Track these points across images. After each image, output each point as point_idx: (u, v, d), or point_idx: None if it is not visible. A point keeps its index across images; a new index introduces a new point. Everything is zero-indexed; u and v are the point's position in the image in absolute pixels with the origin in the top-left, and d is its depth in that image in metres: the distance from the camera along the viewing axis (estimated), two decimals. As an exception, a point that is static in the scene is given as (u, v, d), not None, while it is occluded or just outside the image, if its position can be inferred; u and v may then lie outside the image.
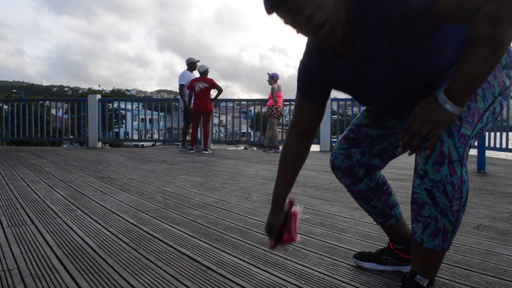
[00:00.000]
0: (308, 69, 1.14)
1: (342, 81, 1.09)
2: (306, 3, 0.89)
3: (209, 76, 6.67)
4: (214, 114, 7.17)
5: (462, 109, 0.89)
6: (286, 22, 0.95)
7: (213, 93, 6.68)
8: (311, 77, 1.14)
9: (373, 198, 1.25)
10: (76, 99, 8.28)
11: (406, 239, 1.28)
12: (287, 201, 1.24)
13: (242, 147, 21.80)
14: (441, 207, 0.92)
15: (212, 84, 6.54)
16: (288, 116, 9.60)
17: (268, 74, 7.11)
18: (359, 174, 1.22)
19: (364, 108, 1.28)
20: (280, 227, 1.19)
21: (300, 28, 0.94)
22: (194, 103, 6.54)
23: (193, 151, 6.51)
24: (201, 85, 6.49)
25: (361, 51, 0.98)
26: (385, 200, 1.26)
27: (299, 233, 1.25)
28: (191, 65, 6.88)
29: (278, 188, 1.24)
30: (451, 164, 0.90)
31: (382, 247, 1.40)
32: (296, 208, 1.28)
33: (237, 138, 8.87)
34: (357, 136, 1.22)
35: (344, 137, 1.25)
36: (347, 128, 1.27)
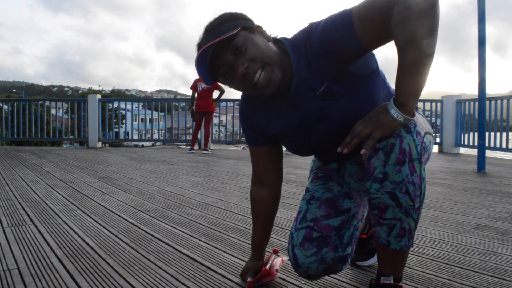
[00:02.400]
0: (246, 119, 1.16)
1: (277, 125, 1.09)
2: (238, 62, 0.92)
3: None
4: (214, 114, 7.17)
5: (407, 117, 0.87)
6: (229, 85, 0.99)
7: (216, 94, 6.69)
8: (248, 123, 1.16)
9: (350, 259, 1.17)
10: (76, 99, 8.27)
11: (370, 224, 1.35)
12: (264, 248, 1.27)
13: (241, 147, 21.80)
14: (404, 207, 0.91)
15: (215, 85, 6.54)
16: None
17: None
18: (336, 268, 1.08)
19: (306, 195, 1.16)
20: (257, 269, 1.20)
21: (241, 86, 0.96)
22: (196, 103, 6.56)
23: (193, 151, 6.51)
24: (203, 85, 6.50)
25: (295, 94, 1.00)
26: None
27: (279, 272, 1.27)
28: None
29: (255, 238, 1.26)
30: (411, 162, 0.89)
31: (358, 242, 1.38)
32: (280, 257, 1.32)
33: (237, 138, 8.87)
34: (321, 232, 1.06)
35: (307, 240, 1.06)
36: (303, 226, 1.08)
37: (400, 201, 0.91)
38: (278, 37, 1.03)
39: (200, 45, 0.98)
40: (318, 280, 1.21)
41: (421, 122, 0.98)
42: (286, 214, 2.09)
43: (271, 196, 1.23)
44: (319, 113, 1.00)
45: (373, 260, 1.34)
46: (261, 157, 1.20)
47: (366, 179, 0.94)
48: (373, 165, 0.92)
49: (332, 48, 0.91)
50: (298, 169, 4.17)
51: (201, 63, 0.94)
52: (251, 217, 2.03)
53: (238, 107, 8.99)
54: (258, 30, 0.98)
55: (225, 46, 0.93)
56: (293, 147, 1.12)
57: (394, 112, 0.87)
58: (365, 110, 0.96)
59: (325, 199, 1.11)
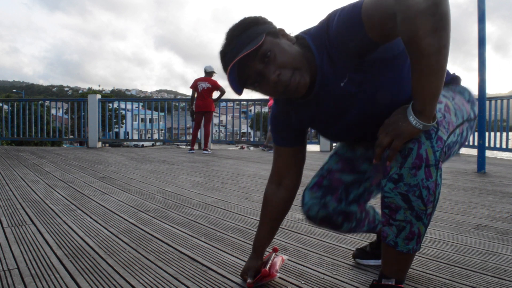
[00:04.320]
0: (276, 117, 1.18)
1: (308, 120, 1.12)
2: (269, 70, 0.93)
3: (214, 79, 6.67)
4: (214, 114, 7.16)
5: (426, 124, 0.86)
6: (259, 91, 1.00)
7: (216, 94, 6.68)
8: (280, 124, 1.18)
9: (358, 228, 1.25)
10: (76, 99, 8.28)
11: None
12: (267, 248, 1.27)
13: (239, 147, 21.74)
14: (416, 211, 0.91)
15: (215, 86, 6.55)
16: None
17: None
18: (337, 222, 1.16)
19: (331, 152, 1.25)
20: (257, 269, 1.20)
21: (272, 92, 0.98)
22: (196, 103, 6.55)
23: (193, 151, 6.51)
24: (204, 84, 6.49)
25: (320, 90, 1.01)
26: (368, 221, 1.27)
27: (279, 271, 1.27)
28: (210, 74, 6.74)
29: (259, 237, 1.26)
30: (428, 168, 0.88)
31: (371, 242, 1.40)
32: (280, 256, 1.30)
33: (237, 138, 8.87)
34: (330, 182, 1.16)
35: (316, 184, 1.18)
36: (317, 174, 1.21)
37: (412, 204, 0.90)
38: (298, 34, 1.03)
39: (223, 53, 0.98)
40: (318, 280, 1.22)
41: (451, 118, 0.96)
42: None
43: (287, 199, 1.23)
44: (347, 103, 1.00)
45: (374, 262, 1.34)
46: (286, 157, 1.20)
47: (383, 177, 0.94)
48: (390, 165, 0.92)
49: (346, 42, 0.92)
50: (298, 169, 4.17)
51: (231, 75, 0.95)
52: (251, 217, 2.03)
53: (238, 107, 9.00)
54: (281, 33, 0.98)
55: (253, 55, 0.93)
56: (328, 136, 1.16)
57: (413, 119, 0.86)
58: (396, 92, 0.97)
59: (346, 157, 1.18)
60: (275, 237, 1.67)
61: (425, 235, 1.67)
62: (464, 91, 1.12)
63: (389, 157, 0.90)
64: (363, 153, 1.17)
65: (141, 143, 28.92)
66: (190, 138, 7.01)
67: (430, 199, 0.90)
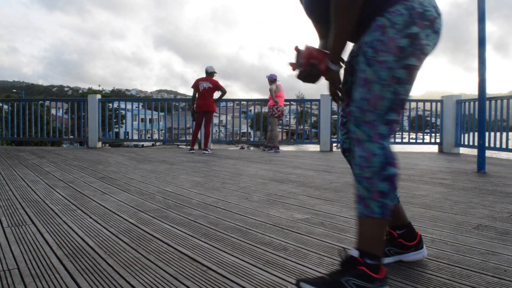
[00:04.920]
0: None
1: None
2: None
3: (215, 80, 6.67)
4: (214, 114, 7.17)
5: (336, 66, 1.19)
6: None
7: (217, 94, 6.69)
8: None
9: None
10: (76, 99, 8.28)
11: (405, 222, 1.38)
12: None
13: (239, 146, 21.71)
14: (356, 175, 1.15)
15: (216, 86, 6.56)
16: (288, 116, 9.58)
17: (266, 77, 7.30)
18: None
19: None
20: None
21: None
22: (197, 103, 6.55)
23: (193, 151, 6.51)
24: (205, 84, 6.50)
25: None
26: None
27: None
28: (212, 74, 6.75)
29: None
30: (361, 143, 1.14)
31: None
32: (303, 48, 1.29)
33: (237, 138, 8.86)
34: (347, 117, 1.35)
35: (342, 124, 1.41)
36: (340, 116, 1.45)
37: (354, 171, 1.16)
38: None
39: None
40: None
41: (372, 95, 1.13)
42: (286, 214, 2.09)
43: None
44: None
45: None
46: (320, 32, 1.38)
47: None
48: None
49: None
50: (298, 169, 4.17)
51: None
52: (251, 217, 2.03)
53: (238, 107, 8.99)
54: None
55: None
56: (307, 10, 1.32)
57: (331, 65, 1.20)
58: None
59: (345, 90, 1.35)
60: (274, 237, 1.67)
61: (426, 235, 1.68)
62: (394, 17, 1.09)
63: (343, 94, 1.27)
64: (351, 79, 1.30)
65: (141, 143, 28.92)
66: (190, 138, 7.01)
67: (364, 165, 1.12)
